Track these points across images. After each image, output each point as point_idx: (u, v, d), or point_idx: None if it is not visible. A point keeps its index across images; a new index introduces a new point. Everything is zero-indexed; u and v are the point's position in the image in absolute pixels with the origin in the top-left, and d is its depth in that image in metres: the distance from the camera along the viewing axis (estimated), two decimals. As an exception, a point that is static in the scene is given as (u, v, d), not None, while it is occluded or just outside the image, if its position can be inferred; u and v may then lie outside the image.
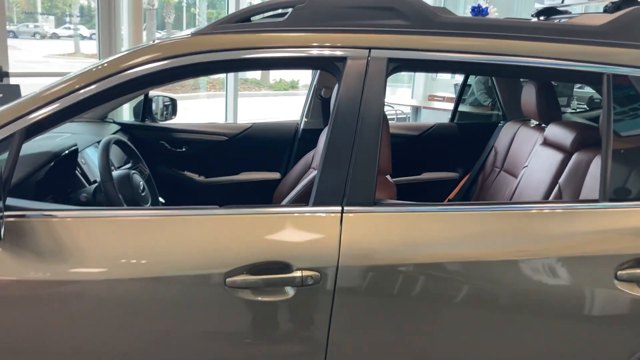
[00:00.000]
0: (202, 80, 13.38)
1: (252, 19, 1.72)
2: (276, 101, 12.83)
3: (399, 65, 1.68)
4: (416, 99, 8.61)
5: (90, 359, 1.54)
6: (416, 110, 7.71)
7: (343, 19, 1.68)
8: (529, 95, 2.56)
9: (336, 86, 1.74)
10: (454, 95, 6.89)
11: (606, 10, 2.00)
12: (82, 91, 1.55)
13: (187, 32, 1.73)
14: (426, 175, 3.14)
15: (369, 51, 1.64)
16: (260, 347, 1.56)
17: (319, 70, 3.06)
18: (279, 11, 1.88)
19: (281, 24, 1.67)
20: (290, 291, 1.51)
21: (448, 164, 3.16)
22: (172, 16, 16.31)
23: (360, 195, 1.57)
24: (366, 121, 1.60)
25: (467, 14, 5.88)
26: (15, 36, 19.86)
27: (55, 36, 22.19)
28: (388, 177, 1.98)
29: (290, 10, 1.69)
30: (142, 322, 1.52)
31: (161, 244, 1.52)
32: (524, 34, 1.70)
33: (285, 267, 1.50)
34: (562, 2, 2.36)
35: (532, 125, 2.73)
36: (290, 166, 2.94)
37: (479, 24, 1.74)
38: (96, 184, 1.96)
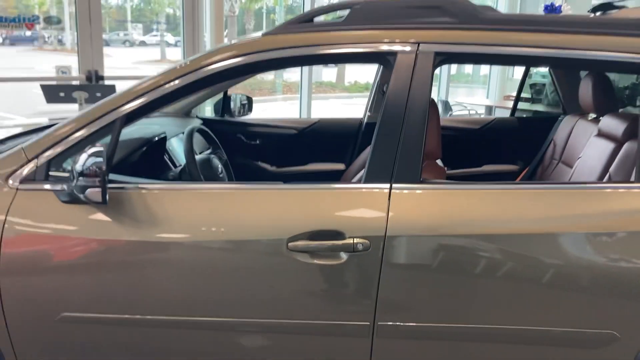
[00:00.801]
0: (279, 83, 13.88)
1: (314, 20, 1.97)
2: (351, 102, 13.10)
3: (445, 58, 1.88)
4: (491, 99, 8.62)
5: (174, 310, 1.84)
6: (490, 109, 7.74)
7: (395, 17, 1.90)
8: (585, 88, 2.67)
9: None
10: (529, 96, 6.88)
11: (653, 3, 2.11)
12: (167, 85, 1.85)
13: (258, 33, 2.00)
14: (487, 168, 3.28)
15: (418, 45, 1.85)
16: (315, 304, 1.80)
17: (382, 68, 3.28)
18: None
19: (340, 24, 1.92)
20: (343, 256, 1.74)
21: (508, 156, 3.29)
22: (252, 22, 16.96)
23: (407, 174, 1.79)
24: (414, 108, 1.81)
25: (541, 12, 5.92)
26: (107, 44, 21.28)
27: (143, 44, 23.56)
28: (438, 161, 2.17)
29: (348, 11, 1.93)
30: (218, 279, 1.80)
31: (235, 213, 1.80)
32: (565, 27, 1.86)
33: (340, 235, 1.73)
34: (614, -3, 2.46)
35: (589, 119, 2.83)
36: (354, 157, 3.18)
37: (521, 20, 1.91)
38: (182, 167, 2.28)
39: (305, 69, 7.15)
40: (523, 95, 7.86)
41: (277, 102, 12.83)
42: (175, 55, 20.43)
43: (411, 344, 1.82)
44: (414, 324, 1.79)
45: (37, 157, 1.86)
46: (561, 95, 3.30)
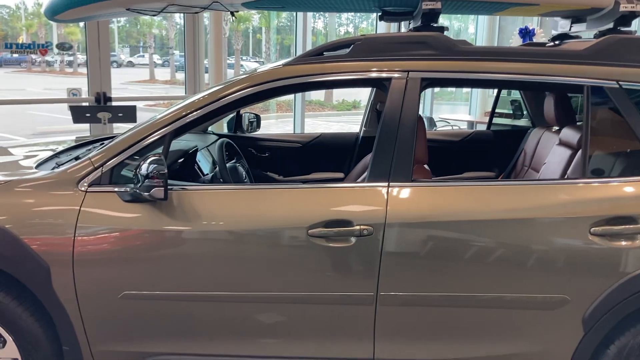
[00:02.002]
0: (272, 103, 14.46)
1: (324, 53, 2.48)
2: (339, 120, 13.68)
3: (429, 82, 2.40)
4: (473, 115, 9.21)
5: (215, 286, 2.30)
6: (472, 125, 8.30)
7: (389, 50, 2.41)
8: (548, 105, 3.19)
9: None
10: (510, 111, 7.44)
11: (596, 36, 2.64)
12: (207, 107, 2.36)
13: (279, 62, 2.51)
14: (467, 174, 3.79)
15: (408, 73, 2.36)
16: (330, 278, 2.28)
17: (375, 90, 3.80)
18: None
19: (345, 56, 2.42)
20: (352, 239, 2.22)
21: (486, 164, 3.80)
22: (241, 43, 17.55)
23: (401, 175, 2.28)
24: (405, 123, 2.32)
25: (516, 35, 6.51)
26: (95, 65, 21.83)
27: (130, 64, 24.07)
28: (425, 166, 2.67)
29: (352, 46, 2.44)
30: (251, 260, 2.28)
31: (264, 207, 2.29)
32: (523, 57, 2.38)
33: (349, 223, 2.22)
34: (570, 29, 3.00)
35: (553, 130, 3.35)
36: (351, 167, 3.67)
37: (489, 52, 2.44)
38: (212, 173, 2.77)
39: (299, 88, 7.69)
40: (504, 111, 8.47)
41: (270, 120, 13.37)
42: (164, 75, 20.97)
43: (407, 310, 2.30)
44: (410, 294, 2.27)
45: (102, 165, 2.34)
46: (529, 110, 3.83)
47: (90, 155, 2.41)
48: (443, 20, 2.77)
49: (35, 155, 2.88)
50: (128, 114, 4.51)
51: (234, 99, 2.39)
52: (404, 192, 2.28)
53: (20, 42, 5.89)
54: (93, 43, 6.04)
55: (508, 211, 2.25)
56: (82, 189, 2.32)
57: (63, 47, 6.04)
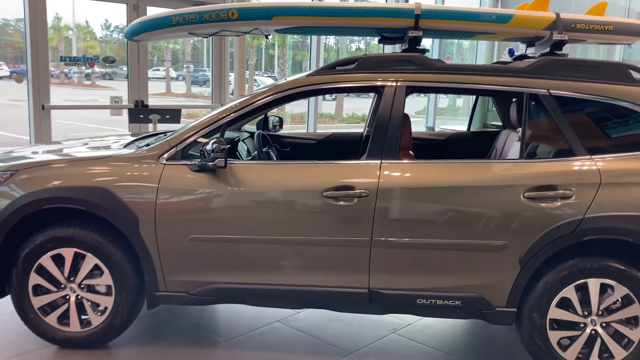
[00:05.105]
0: (287, 114, 15.55)
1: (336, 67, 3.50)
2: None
3: (412, 89, 3.41)
4: (473, 127, 10.17)
5: (256, 231, 3.29)
6: (470, 136, 9.27)
7: (383, 66, 3.43)
8: (512, 110, 4.19)
9: (378, 101, 3.45)
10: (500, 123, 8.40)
11: (538, 57, 3.65)
12: (249, 105, 3.38)
13: (303, 74, 3.53)
14: None
15: (397, 82, 3.38)
16: (337, 227, 3.27)
17: (376, 98, 4.82)
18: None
19: (352, 70, 3.45)
20: (354, 200, 3.22)
21: (465, 158, 4.76)
22: (255, 59, 18.69)
23: (389, 155, 3.29)
24: (393, 119, 3.32)
25: (506, 53, 7.51)
26: (111, 78, 23.04)
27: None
28: (410, 152, 3.67)
29: (356, 62, 3.46)
30: (282, 213, 3.28)
31: (291, 176, 3.30)
32: (481, 71, 3.39)
33: (352, 188, 3.22)
34: (526, 51, 4.02)
35: (516, 131, 4.34)
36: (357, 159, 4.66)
37: (456, 67, 3.45)
38: (251, 157, 3.78)
39: (312, 103, 8.74)
40: (495, 123, 9.35)
41: (285, 132, 14.42)
42: (179, 88, 22.14)
43: (395, 251, 3.28)
44: (395, 239, 3.25)
45: (176, 145, 3.37)
46: (500, 115, 4.83)
47: (167, 138, 3.44)
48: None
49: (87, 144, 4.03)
50: (174, 115, 5.56)
51: (284, 96, 3.42)
52: (392, 167, 3.28)
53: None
54: (133, 57, 7.12)
55: (466, 181, 3.24)
56: (162, 162, 3.34)
57: (108, 60, 7.10)
